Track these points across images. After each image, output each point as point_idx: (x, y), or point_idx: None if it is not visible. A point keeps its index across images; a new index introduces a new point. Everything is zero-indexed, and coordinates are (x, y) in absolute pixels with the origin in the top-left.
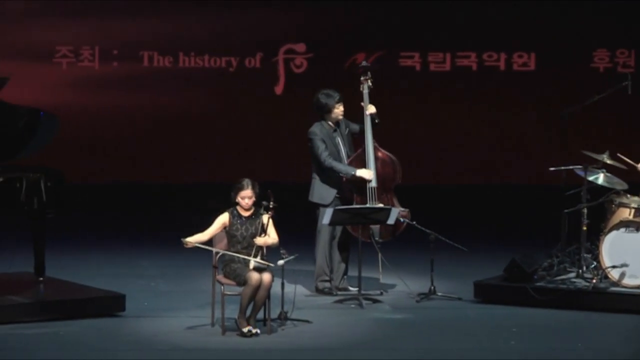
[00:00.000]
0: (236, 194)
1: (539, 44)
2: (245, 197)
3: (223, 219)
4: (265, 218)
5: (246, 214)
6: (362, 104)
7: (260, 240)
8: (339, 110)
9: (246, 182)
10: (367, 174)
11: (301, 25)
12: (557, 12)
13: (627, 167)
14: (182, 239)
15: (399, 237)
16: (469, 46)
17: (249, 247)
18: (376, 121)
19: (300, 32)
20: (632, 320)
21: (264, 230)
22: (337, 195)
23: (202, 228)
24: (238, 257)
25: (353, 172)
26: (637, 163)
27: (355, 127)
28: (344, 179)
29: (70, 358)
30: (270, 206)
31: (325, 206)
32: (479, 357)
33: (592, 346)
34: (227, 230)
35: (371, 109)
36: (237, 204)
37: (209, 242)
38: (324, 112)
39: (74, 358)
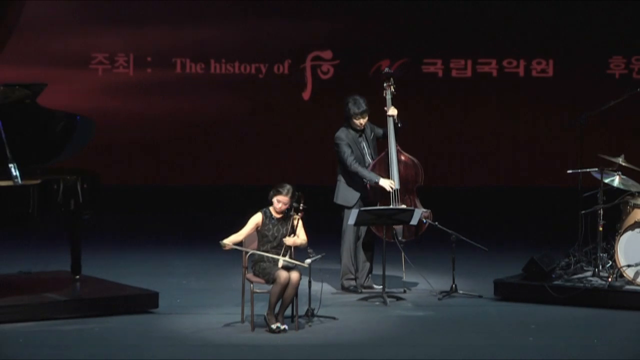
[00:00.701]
0: (274, 195)
1: (557, 51)
2: (281, 202)
3: (256, 219)
4: (295, 219)
5: (278, 215)
6: (385, 108)
7: (289, 241)
8: (358, 121)
9: (287, 189)
10: (388, 184)
11: (328, 33)
12: (574, 20)
13: None
14: (220, 242)
15: (421, 237)
16: (490, 53)
17: (279, 247)
18: (399, 125)
19: (327, 39)
20: None
21: (293, 231)
22: (360, 198)
23: (233, 228)
24: (267, 256)
25: (376, 180)
26: None
27: (379, 131)
28: (368, 183)
29: (105, 354)
30: (301, 208)
31: (349, 208)
32: (499, 353)
33: (608, 342)
34: (259, 230)
35: (393, 111)
36: (272, 204)
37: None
38: (347, 116)
39: (108, 354)
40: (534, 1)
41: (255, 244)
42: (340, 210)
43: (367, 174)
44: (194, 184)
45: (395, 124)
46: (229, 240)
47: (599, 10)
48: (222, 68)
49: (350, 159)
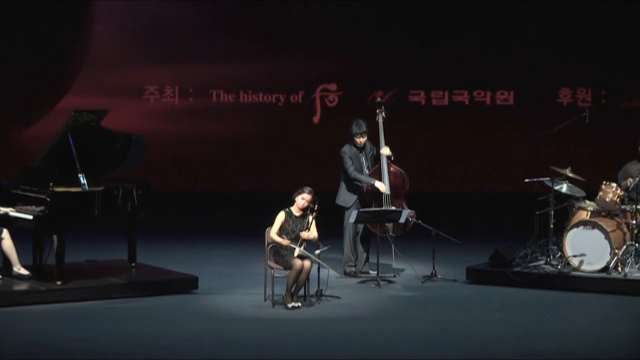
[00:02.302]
0: (299, 194)
1: (517, 84)
2: (305, 199)
3: (281, 217)
4: (310, 217)
5: (298, 213)
6: (381, 150)
7: (304, 234)
8: (359, 139)
9: (309, 189)
10: (382, 186)
11: (333, 70)
12: (530, 60)
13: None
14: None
15: (408, 232)
16: (462, 86)
17: (295, 239)
18: (391, 158)
19: (333, 75)
20: (589, 297)
21: (308, 227)
22: (356, 200)
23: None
24: (286, 246)
25: (372, 182)
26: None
27: (375, 151)
28: (365, 188)
29: (155, 326)
30: (315, 208)
31: (347, 209)
32: (470, 326)
33: (557, 317)
34: (282, 225)
35: (386, 151)
36: (293, 203)
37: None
38: (351, 135)
39: (158, 326)
40: (498, 45)
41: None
42: (340, 210)
43: (365, 179)
44: (226, 189)
45: (388, 157)
46: (287, 242)
47: (551, 52)
48: (249, 97)
49: (351, 169)
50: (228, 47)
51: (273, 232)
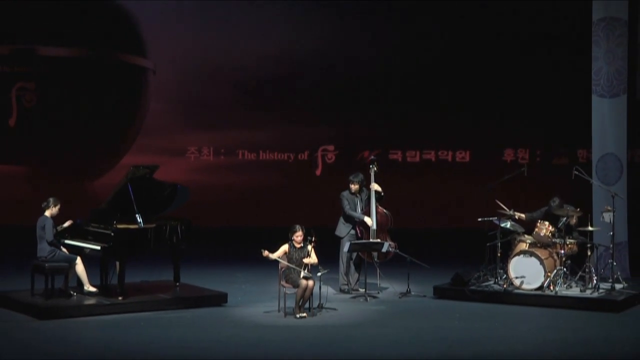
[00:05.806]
0: (292, 235)
1: (472, 146)
2: (299, 236)
3: (285, 247)
4: (309, 247)
5: (298, 245)
6: (371, 185)
7: (307, 260)
8: (352, 186)
9: (297, 227)
10: (369, 220)
11: (331, 134)
12: (482, 127)
13: (502, 210)
14: (262, 250)
15: (389, 259)
16: (430, 147)
17: (300, 265)
18: (382, 194)
19: (331, 138)
20: (528, 309)
21: (309, 254)
22: (350, 232)
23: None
24: (295, 269)
25: (362, 217)
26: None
27: (368, 192)
28: (357, 221)
29: (194, 331)
30: (313, 240)
31: (342, 238)
32: (436, 330)
33: (503, 324)
34: (287, 254)
35: (376, 187)
36: (293, 240)
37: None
38: (348, 184)
39: (196, 330)
40: (457, 116)
41: (285, 262)
42: (338, 239)
43: (356, 215)
44: (249, 225)
45: (378, 193)
46: (267, 254)
47: (498, 121)
48: (267, 156)
49: (347, 207)
50: (251, 117)
51: (274, 254)
